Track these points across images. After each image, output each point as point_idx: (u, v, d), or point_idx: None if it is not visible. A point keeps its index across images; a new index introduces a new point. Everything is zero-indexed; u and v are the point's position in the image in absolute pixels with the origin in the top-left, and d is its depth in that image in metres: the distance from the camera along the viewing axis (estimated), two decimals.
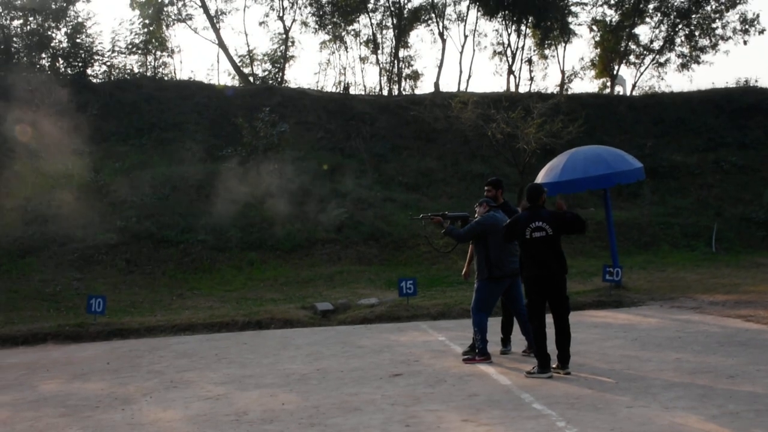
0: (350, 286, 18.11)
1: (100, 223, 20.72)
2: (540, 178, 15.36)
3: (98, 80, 29.49)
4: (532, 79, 37.18)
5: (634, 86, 35.81)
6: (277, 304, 15.51)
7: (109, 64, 30.00)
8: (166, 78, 31.14)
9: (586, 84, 68.29)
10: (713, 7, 34.68)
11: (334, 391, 7.60)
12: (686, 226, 24.08)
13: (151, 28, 31.40)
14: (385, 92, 34.15)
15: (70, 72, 28.54)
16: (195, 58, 68.39)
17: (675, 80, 62.62)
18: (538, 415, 6.30)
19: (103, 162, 23.67)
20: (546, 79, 45.97)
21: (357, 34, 35.33)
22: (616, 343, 9.80)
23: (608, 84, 36.14)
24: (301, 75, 76.33)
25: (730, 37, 35.13)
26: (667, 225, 24.05)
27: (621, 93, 35.57)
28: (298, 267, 20.17)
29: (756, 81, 34.49)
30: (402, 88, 35.02)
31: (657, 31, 35.63)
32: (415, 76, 36.08)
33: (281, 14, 34.52)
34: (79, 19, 29.43)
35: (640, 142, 29.21)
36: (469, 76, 68.75)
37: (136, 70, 30.55)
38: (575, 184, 14.71)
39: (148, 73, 30.61)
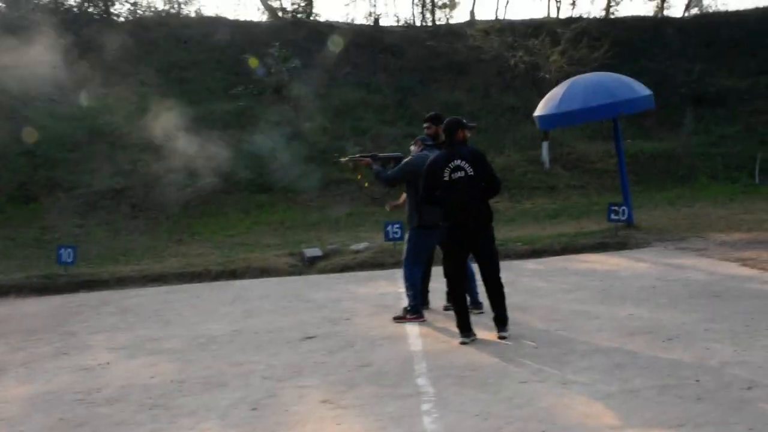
0: (355, 230, 17.32)
1: (109, 167, 20.30)
2: (538, 110, 14.17)
3: (121, 19, 28.87)
4: (573, 3, 35.13)
5: (687, 7, 33.42)
6: (269, 251, 14.77)
7: (133, 2, 29.35)
8: (192, 15, 30.35)
9: (638, 7, 64.15)
10: None
11: (223, 359, 6.81)
12: (729, 156, 22.38)
13: None
14: (418, 23, 32.61)
15: (93, 11, 27.94)
16: None
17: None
18: (412, 393, 5.39)
19: (118, 104, 23.11)
20: (593, 3, 43.14)
21: None
22: (579, 295, 8.76)
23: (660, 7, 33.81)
24: (331, 8, 74.07)
25: None
26: (708, 156, 22.41)
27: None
28: (308, 210, 19.47)
29: None
30: (437, 18, 33.38)
31: None
32: (452, 4, 34.33)
33: None
34: None
35: (687, 67, 27.31)
36: (507, 3, 65.30)
37: (160, 7, 29.79)
38: (574, 116, 13.50)
39: (173, 11, 29.81)
